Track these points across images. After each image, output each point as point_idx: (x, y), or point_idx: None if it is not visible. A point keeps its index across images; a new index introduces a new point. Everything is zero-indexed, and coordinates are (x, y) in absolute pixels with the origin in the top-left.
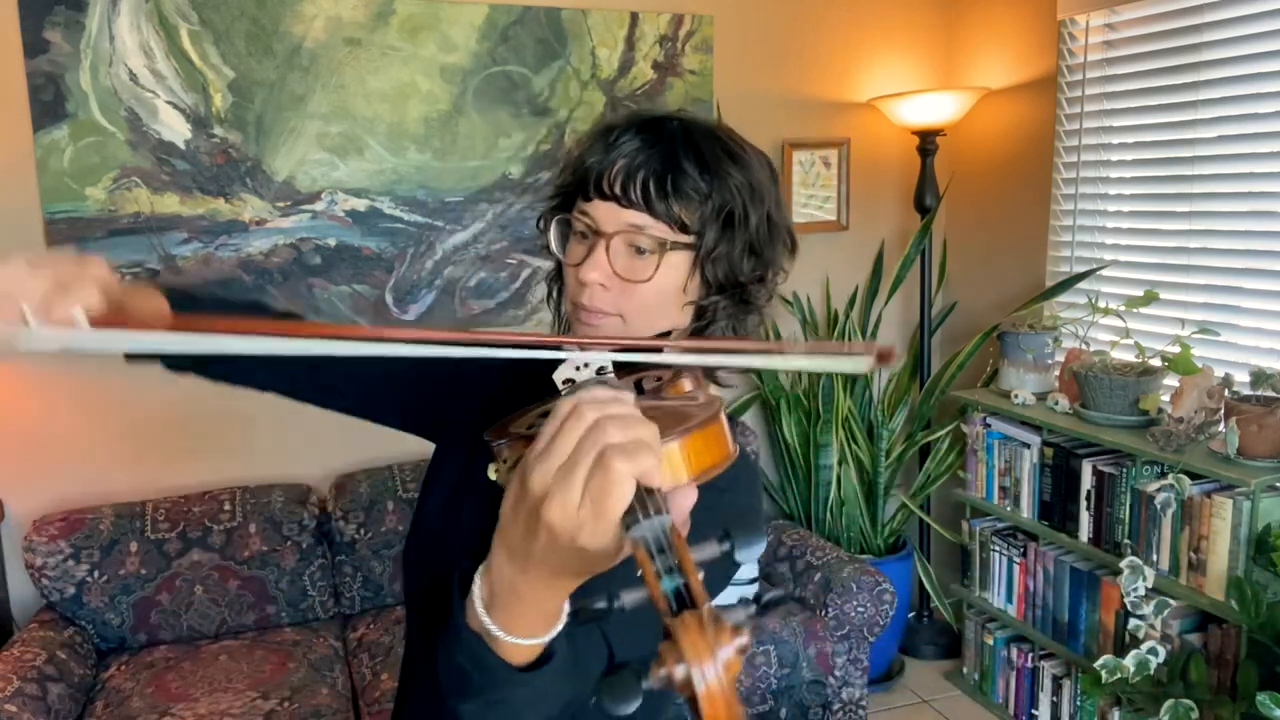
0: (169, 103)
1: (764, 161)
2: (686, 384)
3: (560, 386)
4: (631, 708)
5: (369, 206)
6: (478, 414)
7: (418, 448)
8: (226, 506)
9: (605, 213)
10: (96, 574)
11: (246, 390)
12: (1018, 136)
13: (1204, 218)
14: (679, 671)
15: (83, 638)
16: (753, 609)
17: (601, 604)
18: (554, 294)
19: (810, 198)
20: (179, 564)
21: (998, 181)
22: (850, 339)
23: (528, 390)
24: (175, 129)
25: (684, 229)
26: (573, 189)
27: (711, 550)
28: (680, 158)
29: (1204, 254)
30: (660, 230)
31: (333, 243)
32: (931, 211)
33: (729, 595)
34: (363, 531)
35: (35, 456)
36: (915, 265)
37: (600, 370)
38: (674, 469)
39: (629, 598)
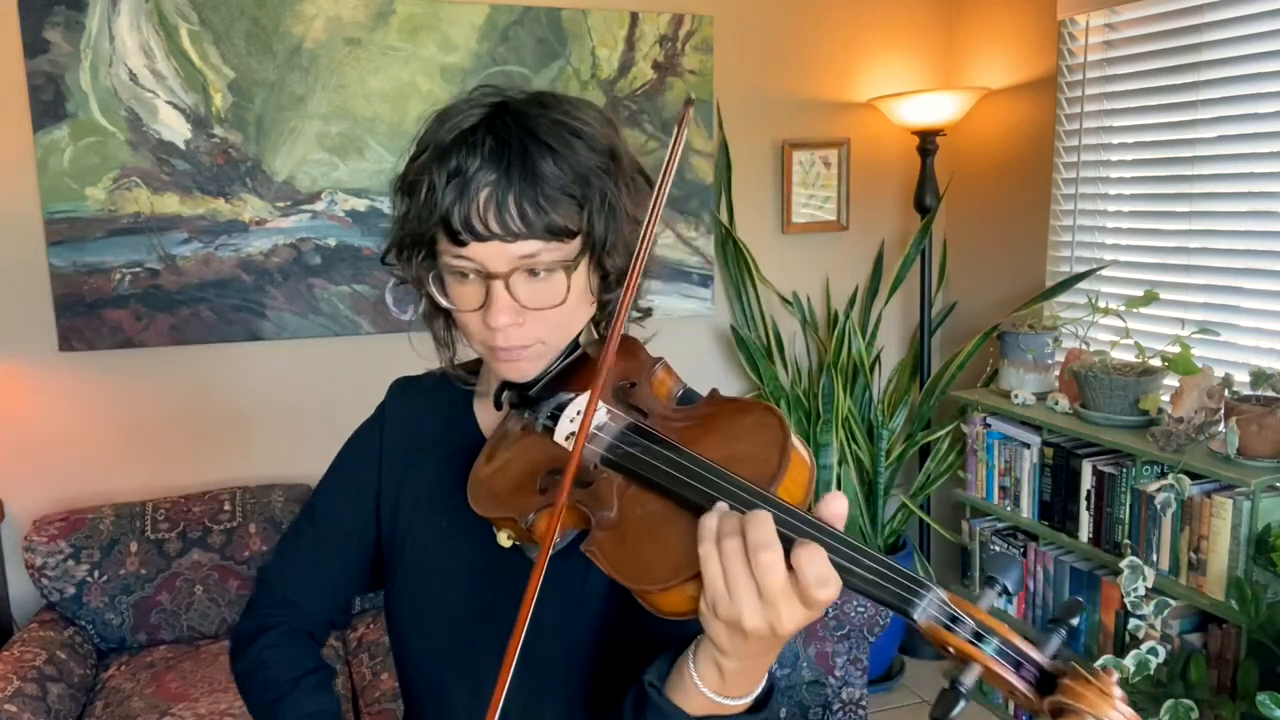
0: (169, 103)
1: (598, 117)
2: (663, 376)
3: (564, 443)
4: None
5: (369, 206)
6: (406, 464)
7: None
8: (226, 506)
9: (490, 253)
10: (96, 574)
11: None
12: (1018, 136)
13: (1204, 218)
14: None
15: (83, 638)
16: (1063, 633)
17: (961, 704)
18: (440, 334)
19: (810, 198)
20: (179, 564)
21: (998, 181)
22: (850, 339)
23: (446, 418)
24: (175, 129)
25: (569, 234)
26: (431, 231)
27: (990, 598)
28: (538, 163)
29: (1204, 254)
30: (552, 250)
31: (333, 243)
32: (931, 211)
33: None
34: None
35: (35, 456)
36: (915, 265)
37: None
38: (793, 496)
39: (968, 680)
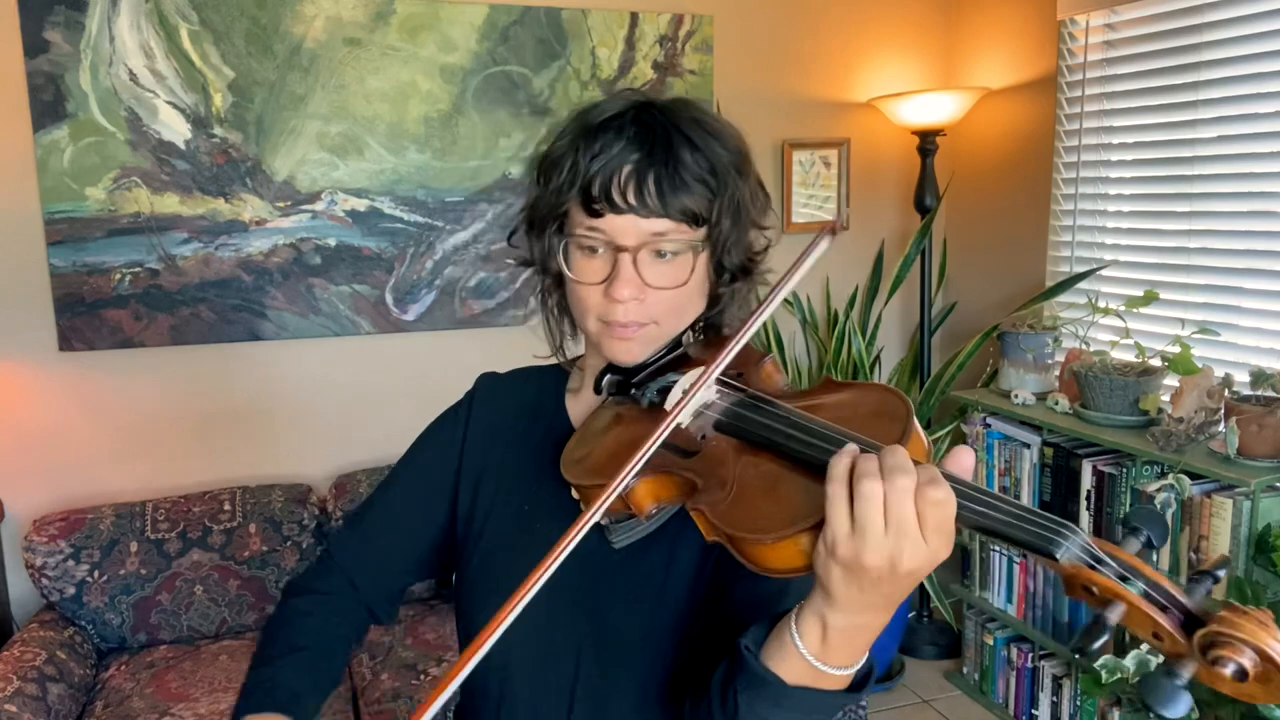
0: (169, 103)
1: (732, 127)
2: (770, 370)
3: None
4: (1185, 709)
5: (369, 206)
6: (489, 450)
7: None
8: (226, 506)
9: (623, 225)
10: (96, 574)
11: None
12: (1018, 136)
13: (1204, 218)
14: (1248, 659)
15: (83, 638)
16: (1210, 583)
17: (1104, 637)
18: (551, 309)
19: (810, 198)
20: (179, 564)
21: (998, 181)
22: (850, 339)
23: (534, 408)
24: (175, 129)
25: (697, 222)
26: (567, 204)
27: (1134, 545)
28: (679, 150)
29: (1204, 254)
30: (682, 232)
31: (333, 243)
32: (931, 211)
33: None
34: None
35: (35, 456)
36: (915, 265)
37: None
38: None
39: (1113, 616)
